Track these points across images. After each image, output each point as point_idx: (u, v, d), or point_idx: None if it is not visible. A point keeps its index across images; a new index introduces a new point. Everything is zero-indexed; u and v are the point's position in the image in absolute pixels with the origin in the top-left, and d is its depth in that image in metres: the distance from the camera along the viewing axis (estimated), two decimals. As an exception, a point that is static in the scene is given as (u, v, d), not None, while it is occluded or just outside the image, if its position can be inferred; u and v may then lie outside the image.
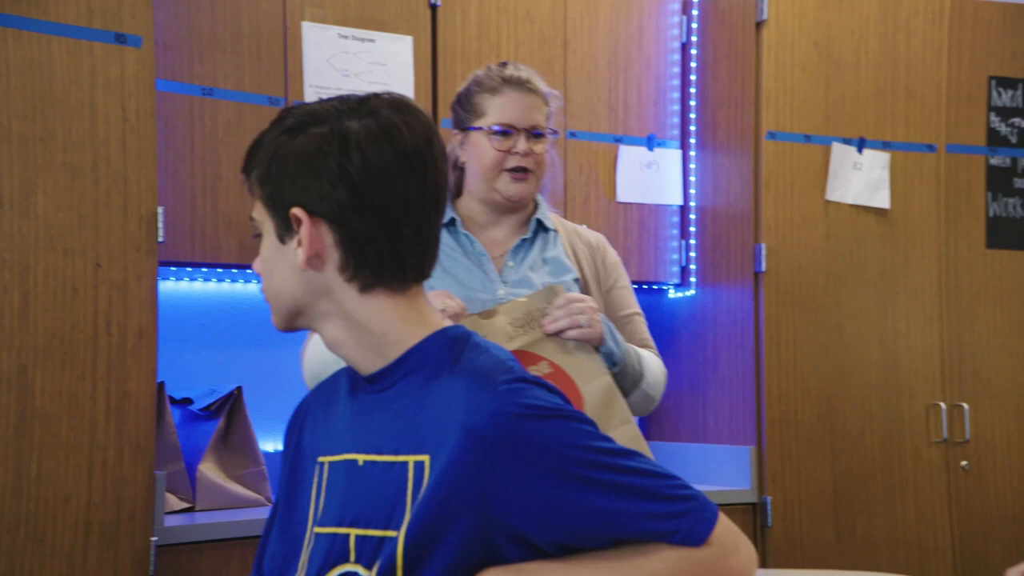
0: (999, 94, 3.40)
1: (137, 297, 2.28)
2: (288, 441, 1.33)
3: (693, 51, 3.31)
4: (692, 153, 3.31)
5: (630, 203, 3.21)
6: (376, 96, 1.21)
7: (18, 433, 2.13)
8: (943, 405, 3.27)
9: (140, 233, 2.29)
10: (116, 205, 2.27)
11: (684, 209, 3.31)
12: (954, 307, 3.31)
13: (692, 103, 3.31)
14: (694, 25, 3.31)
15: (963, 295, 3.32)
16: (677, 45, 3.32)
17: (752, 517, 3.07)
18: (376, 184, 1.14)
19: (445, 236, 1.91)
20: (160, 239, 2.35)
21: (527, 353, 1.70)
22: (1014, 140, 3.42)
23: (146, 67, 2.31)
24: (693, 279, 3.29)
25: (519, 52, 3.07)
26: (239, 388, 2.63)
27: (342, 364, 1.32)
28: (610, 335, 1.79)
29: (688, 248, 3.30)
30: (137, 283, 2.29)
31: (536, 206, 1.98)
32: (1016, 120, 3.43)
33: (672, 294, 3.36)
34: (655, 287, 3.34)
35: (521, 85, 1.91)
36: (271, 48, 2.72)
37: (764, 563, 3.06)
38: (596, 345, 1.76)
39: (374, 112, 1.18)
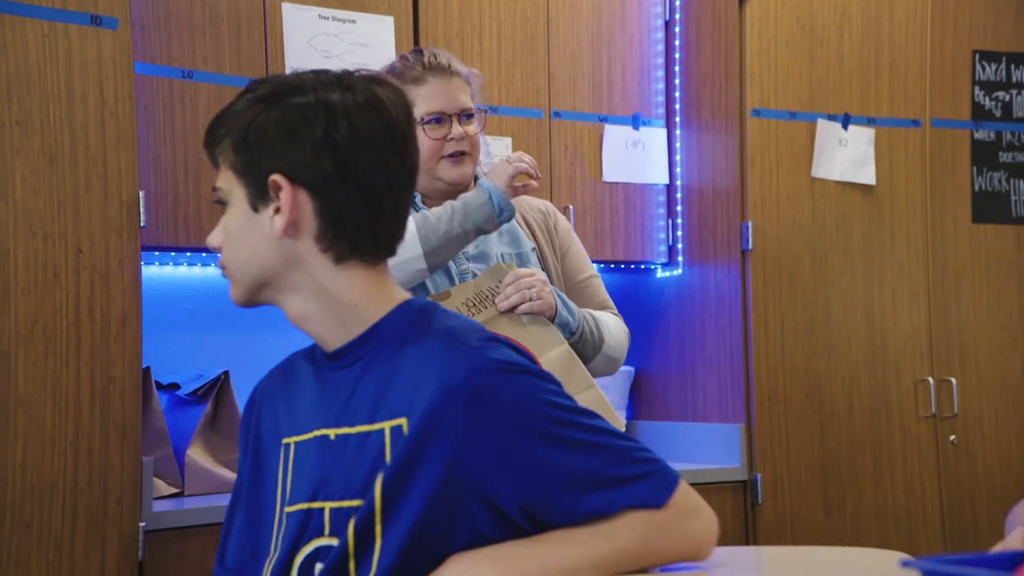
0: (983, 68, 3.40)
1: (120, 282, 2.27)
2: (246, 431, 1.32)
3: (677, 29, 3.30)
4: (677, 131, 3.30)
5: (616, 182, 3.21)
6: (349, 72, 1.21)
7: (1, 420, 2.11)
8: (931, 380, 3.27)
9: (121, 218, 2.28)
10: (96, 190, 2.25)
11: (670, 188, 3.30)
12: (940, 282, 3.31)
13: (676, 81, 3.30)
14: (677, 2, 3.30)
15: (949, 270, 3.33)
16: (660, 23, 3.31)
17: (742, 495, 3.07)
18: (363, 154, 1.15)
19: None
20: (142, 223, 2.34)
21: None
22: (999, 114, 3.42)
23: (123, 49, 2.28)
24: (680, 258, 3.29)
25: (501, 31, 3.06)
26: (226, 372, 2.62)
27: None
28: (562, 305, 1.82)
29: (675, 227, 3.29)
30: (119, 268, 2.27)
31: (476, 183, 1.99)
32: (1000, 94, 3.43)
33: (659, 273, 3.35)
34: (642, 266, 3.34)
35: (444, 70, 1.92)
36: (251, 30, 2.70)
37: (755, 540, 3.07)
38: (550, 316, 1.79)
39: (353, 86, 1.18)
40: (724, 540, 3.17)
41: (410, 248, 1.77)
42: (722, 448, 3.11)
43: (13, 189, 2.16)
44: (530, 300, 1.77)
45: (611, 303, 2.02)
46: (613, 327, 1.94)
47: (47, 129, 2.20)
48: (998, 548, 0.81)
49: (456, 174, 1.92)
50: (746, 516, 3.08)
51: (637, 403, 3.43)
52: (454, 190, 1.94)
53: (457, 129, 1.91)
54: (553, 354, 1.76)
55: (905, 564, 0.77)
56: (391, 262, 1.72)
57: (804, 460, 3.11)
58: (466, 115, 1.93)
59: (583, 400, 1.72)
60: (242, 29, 2.68)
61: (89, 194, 2.24)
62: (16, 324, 2.14)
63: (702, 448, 3.17)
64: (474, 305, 1.78)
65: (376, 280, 1.20)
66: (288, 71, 2.73)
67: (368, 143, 1.15)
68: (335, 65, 2.86)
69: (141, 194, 2.33)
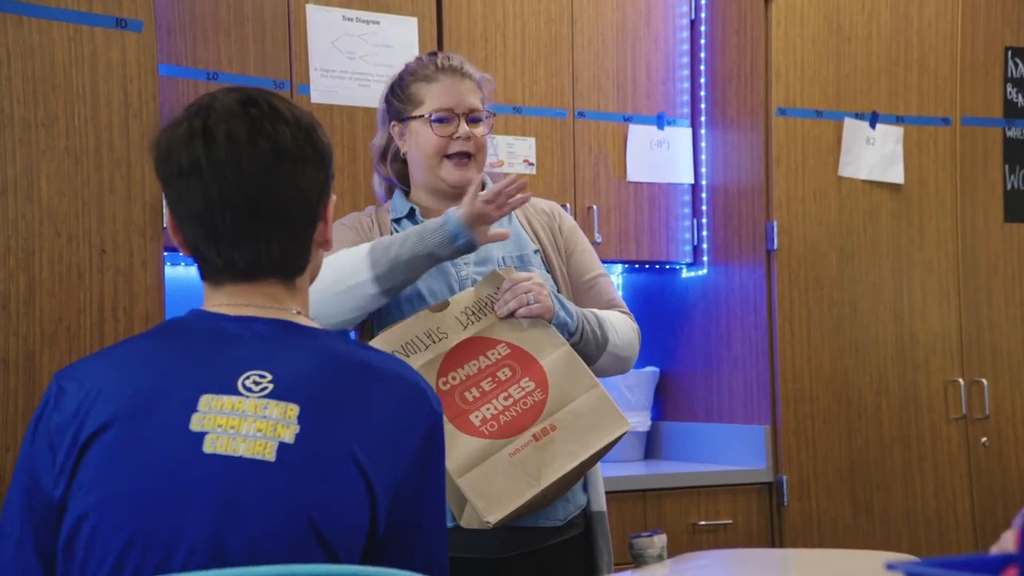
0: (1015, 64, 3.35)
1: (143, 282, 2.29)
2: None
3: (702, 27, 3.28)
4: (703, 131, 3.28)
5: (640, 182, 3.19)
6: (207, 96, 1.25)
7: (26, 418, 2.13)
8: (961, 381, 3.23)
9: (144, 218, 2.30)
10: (120, 191, 2.28)
11: (695, 187, 3.29)
12: (971, 282, 3.27)
13: (702, 80, 3.28)
14: (702, 1, 3.28)
15: (980, 269, 3.28)
16: (686, 21, 3.29)
17: (768, 496, 3.05)
18: (164, 189, 1.24)
19: (407, 226, 1.94)
20: (165, 224, 2.35)
21: (484, 339, 1.76)
22: (1031, 111, 3.37)
23: (147, 51, 2.31)
24: (705, 258, 3.27)
25: (525, 31, 3.06)
26: (249, 372, 2.63)
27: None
28: (560, 306, 1.81)
29: (700, 227, 3.27)
30: (143, 268, 2.29)
31: (483, 185, 1.98)
32: (1032, 91, 3.38)
33: (684, 273, 3.34)
34: (667, 266, 3.32)
35: (455, 71, 1.93)
36: (275, 31, 2.71)
37: (781, 543, 3.04)
38: (548, 318, 1.79)
39: (180, 112, 1.25)
40: (750, 542, 3.16)
41: (360, 272, 1.76)
42: (748, 449, 3.08)
43: (38, 190, 2.19)
44: (528, 304, 1.77)
45: (620, 302, 2.00)
46: (619, 326, 1.92)
47: (72, 131, 2.23)
48: (994, 550, 0.80)
49: (457, 176, 1.91)
50: (772, 518, 3.05)
51: (662, 403, 3.42)
52: (456, 192, 1.92)
53: (464, 128, 1.90)
54: (554, 356, 1.76)
55: (890, 567, 0.76)
56: (335, 289, 1.75)
57: (831, 461, 3.08)
58: (474, 117, 1.93)
59: (586, 401, 1.72)
60: (266, 31, 2.70)
61: (113, 195, 2.27)
62: (41, 324, 2.17)
63: (727, 449, 3.15)
64: (473, 314, 1.78)
65: (209, 297, 1.26)
66: (313, 72, 2.76)
67: (161, 178, 1.22)
68: (359, 66, 2.88)
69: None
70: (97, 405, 1.15)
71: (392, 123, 1.95)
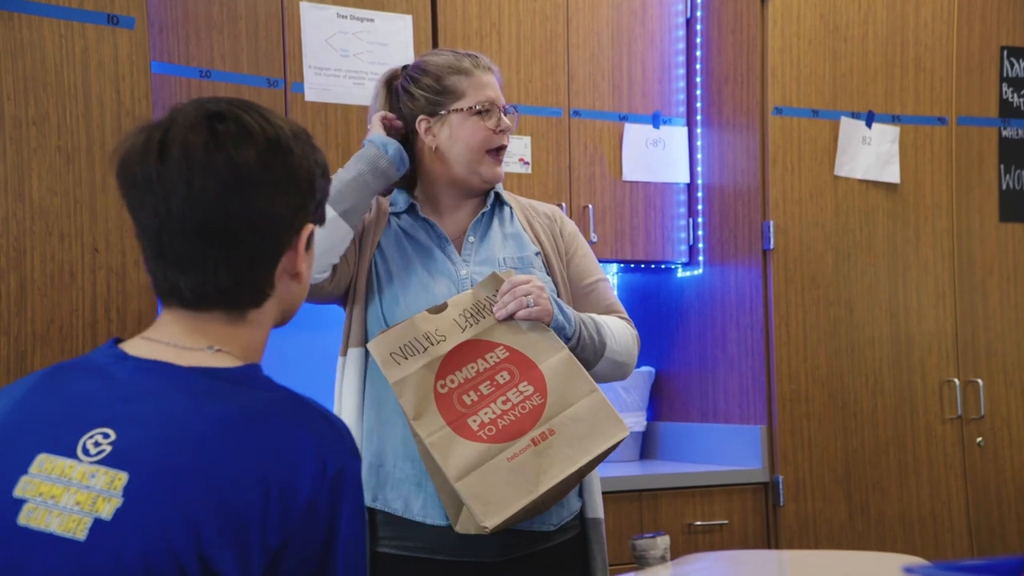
0: (1011, 64, 3.35)
1: (136, 282, 2.26)
2: None
3: (698, 26, 3.27)
4: (698, 130, 3.27)
5: (636, 181, 3.18)
6: (177, 105, 1.15)
7: (18, 420, 2.11)
8: (957, 381, 3.22)
9: (138, 217, 2.27)
10: (112, 189, 2.24)
11: (691, 187, 3.27)
12: (967, 282, 3.27)
13: (698, 79, 3.27)
14: (698, 0, 3.27)
15: (976, 269, 3.28)
16: (682, 20, 3.28)
17: (764, 497, 3.04)
18: (124, 199, 1.13)
19: (408, 220, 1.91)
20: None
21: (482, 341, 1.74)
22: (1026, 111, 3.37)
23: (140, 49, 2.28)
24: (701, 257, 3.26)
25: (520, 30, 3.04)
26: (242, 373, 2.62)
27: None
28: (558, 310, 1.79)
29: (695, 226, 3.26)
30: (136, 268, 2.27)
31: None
32: (1028, 91, 3.38)
33: (680, 273, 3.32)
34: (663, 266, 3.31)
35: (487, 67, 1.93)
36: (269, 29, 2.69)
37: (776, 543, 3.03)
38: (547, 322, 1.77)
39: (147, 121, 1.16)
40: (745, 543, 3.15)
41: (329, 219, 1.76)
42: (743, 449, 3.07)
43: (30, 188, 2.16)
44: (527, 307, 1.74)
45: (619, 307, 1.98)
46: (618, 331, 1.89)
47: (64, 129, 2.20)
48: None
49: (496, 172, 1.90)
50: (768, 518, 3.05)
51: (658, 404, 3.41)
52: (486, 188, 1.92)
53: (504, 121, 1.89)
54: (553, 360, 1.73)
55: (908, 570, 0.75)
56: (321, 233, 1.54)
57: (827, 462, 3.08)
58: (506, 110, 1.92)
59: (585, 406, 1.69)
60: (260, 28, 2.68)
61: (105, 194, 2.24)
62: (32, 324, 2.15)
63: (723, 449, 3.14)
64: (471, 316, 1.75)
65: (157, 321, 1.16)
66: (307, 70, 2.73)
67: (120, 186, 1.12)
68: (353, 64, 2.86)
69: (158, 194, 2.32)
70: None
71: (420, 118, 1.90)
